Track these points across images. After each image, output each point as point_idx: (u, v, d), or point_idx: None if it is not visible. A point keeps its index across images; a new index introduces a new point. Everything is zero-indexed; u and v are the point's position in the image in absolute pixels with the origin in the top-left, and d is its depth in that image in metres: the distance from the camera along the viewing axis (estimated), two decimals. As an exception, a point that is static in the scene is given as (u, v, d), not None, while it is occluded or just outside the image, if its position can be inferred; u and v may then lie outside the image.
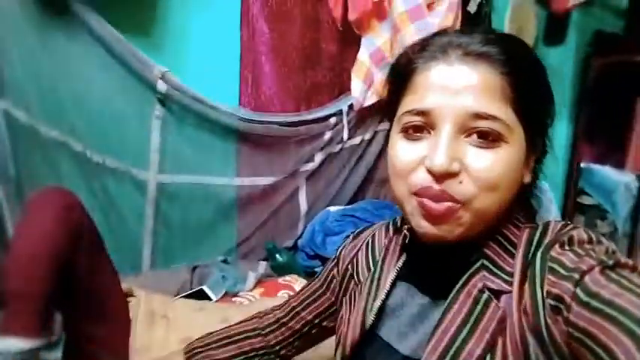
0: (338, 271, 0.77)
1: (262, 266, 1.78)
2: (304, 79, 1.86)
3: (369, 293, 0.65)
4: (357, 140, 1.94)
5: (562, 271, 0.47)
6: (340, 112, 1.86)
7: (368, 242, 0.73)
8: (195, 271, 1.66)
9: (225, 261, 1.74)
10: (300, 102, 1.87)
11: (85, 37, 1.46)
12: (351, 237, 0.80)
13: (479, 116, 0.50)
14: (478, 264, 0.55)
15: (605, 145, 2.60)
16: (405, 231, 0.65)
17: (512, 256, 0.54)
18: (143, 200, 1.65)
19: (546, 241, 0.52)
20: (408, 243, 0.64)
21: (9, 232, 1.35)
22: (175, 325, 1.05)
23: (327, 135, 1.87)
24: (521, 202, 0.58)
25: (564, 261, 0.48)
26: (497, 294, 0.52)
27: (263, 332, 0.84)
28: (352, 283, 0.72)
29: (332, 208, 1.92)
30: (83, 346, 0.98)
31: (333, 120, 1.86)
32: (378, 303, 0.63)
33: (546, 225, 0.55)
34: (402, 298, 0.63)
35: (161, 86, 1.56)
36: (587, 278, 0.45)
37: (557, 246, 0.50)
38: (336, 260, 0.79)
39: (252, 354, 0.83)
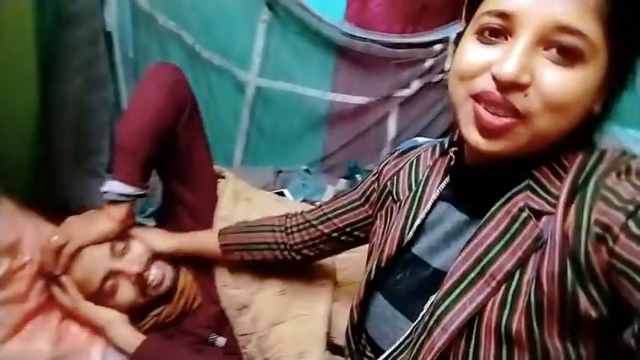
0: (378, 185, 0.78)
1: (342, 183, 1.83)
2: (414, 1, 1.78)
3: (409, 211, 0.65)
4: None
5: (615, 201, 0.45)
6: (447, 40, 1.77)
7: (412, 162, 0.72)
8: (280, 174, 1.76)
9: (307, 171, 1.82)
10: (407, 24, 1.80)
11: None
12: (395, 154, 0.79)
13: (565, 29, 0.45)
14: (523, 184, 0.53)
15: None
16: (452, 153, 0.63)
17: (562, 179, 0.51)
18: (241, 101, 1.75)
19: (602, 167, 0.49)
20: (453, 165, 0.63)
21: (124, 105, 1.51)
22: (256, 207, 1.14)
23: (429, 62, 1.80)
24: (584, 133, 0.52)
25: (619, 191, 0.45)
26: (537, 214, 0.51)
27: (289, 230, 0.92)
28: (390, 199, 0.72)
29: (420, 139, 1.88)
30: (174, 206, 1.11)
31: (437, 47, 1.78)
32: (417, 222, 0.63)
33: (603, 152, 0.51)
34: (439, 216, 0.63)
35: (270, -11, 1.59)
36: None
37: (613, 174, 0.47)
38: (377, 175, 0.79)
39: (273, 246, 0.94)
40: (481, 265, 0.52)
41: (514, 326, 0.48)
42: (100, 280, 0.94)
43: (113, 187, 0.91)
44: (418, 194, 0.66)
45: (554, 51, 0.46)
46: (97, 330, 0.95)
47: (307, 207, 1.27)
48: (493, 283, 0.50)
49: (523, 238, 0.50)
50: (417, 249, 0.63)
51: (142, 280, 0.97)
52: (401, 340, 0.60)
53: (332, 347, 1.02)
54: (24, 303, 0.91)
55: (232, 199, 1.13)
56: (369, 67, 1.78)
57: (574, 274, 0.46)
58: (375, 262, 0.66)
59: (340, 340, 1.01)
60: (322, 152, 1.89)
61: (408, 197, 0.67)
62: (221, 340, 1.05)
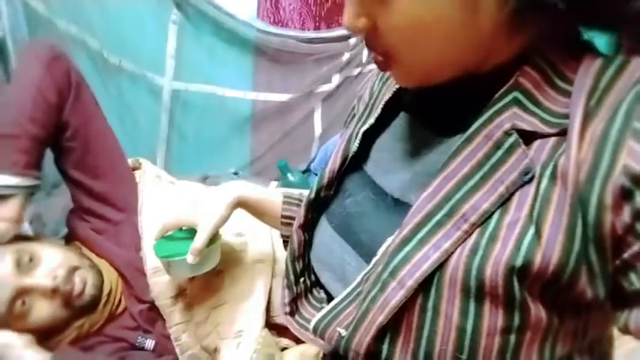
0: (355, 108, 0.67)
1: (273, 185, 1.77)
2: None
3: (359, 119, 0.55)
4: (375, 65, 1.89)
5: None
6: (360, 33, 1.82)
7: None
8: (207, 180, 1.67)
9: (236, 174, 1.75)
10: (321, 21, 1.83)
11: None
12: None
13: None
14: (508, 98, 0.41)
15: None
16: None
17: (561, 92, 0.40)
18: (158, 107, 1.66)
19: (626, 85, 0.37)
20: None
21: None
22: (182, 188, 1.07)
23: (346, 56, 1.82)
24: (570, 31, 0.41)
25: None
26: (528, 137, 0.40)
27: None
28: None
29: (347, 133, 1.89)
30: (82, 200, 1.00)
31: (352, 41, 1.81)
32: (364, 127, 0.53)
33: (624, 61, 0.38)
34: (400, 130, 0.52)
35: (179, -11, 1.56)
36: None
37: None
38: (356, 98, 0.69)
39: None
40: (450, 203, 0.41)
41: (487, 274, 0.38)
42: (8, 301, 0.81)
43: None
44: (372, 99, 0.56)
45: None
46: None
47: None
48: (465, 226, 0.40)
49: (507, 169, 0.39)
50: (370, 168, 0.53)
51: (61, 293, 0.85)
52: (349, 290, 0.49)
53: (271, 326, 0.94)
54: None
55: (155, 182, 1.05)
56: (287, 63, 1.77)
57: (582, 232, 0.35)
58: (317, 179, 0.57)
59: (280, 319, 0.93)
60: (250, 155, 1.83)
61: (364, 105, 0.58)
62: (150, 342, 0.94)
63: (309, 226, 0.59)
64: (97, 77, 1.56)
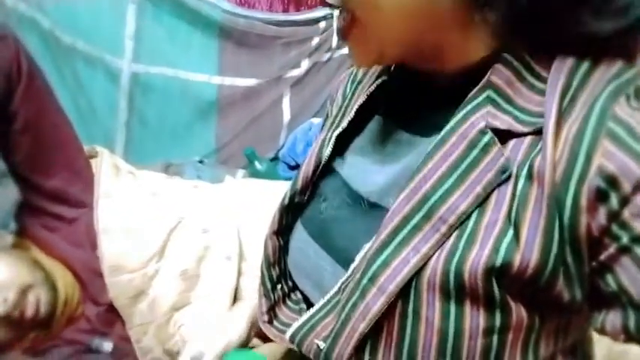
0: (328, 111, 0.65)
1: (240, 173, 1.72)
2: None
3: (332, 122, 0.55)
4: (346, 50, 1.85)
5: (629, 142, 0.33)
6: (331, 17, 1.76)
7: (352, 72, 0.60)
8: (169, 169, 1.60)
9: (201, 162, 1.68)
10: (290, 3, 1.77)
11: None
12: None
13: None
14: (482, 96, 0.40)
15: None
16: None
17: (536, 90, 0.39)
18: (116, 90, 1.57)
19: (599, 84, 0.37)
20: (392, 69, 0.52)
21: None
22: (141, 181, 1.01)
23: (315, 40, 1.77)
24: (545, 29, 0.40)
25: (634, 127, 0.34)
26: (503, 136, 0.39)
27: None
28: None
29: (315, 120, 1.84)
30: (32, 197, 0.93)
31: (322, 24, 1.76)
32: (337, 131, 0.53)
33: (595, 60, 0.38)
34: (375, 133, 0.52)
35: (138, -34, 1.46)
36: None
37: (622, 99, 0.35)
38: (329, 101, 0.67)
39: None
40: (428, 205, 0.40)
41: (466, 276, 0.38)
42: None
43: None
44: (345, 102, 0.55)
45: None
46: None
47: (202, 185, 1.15)
48: (443, 228, 0.39)
49: (483, 169, 0.39)
50: (345, 172, 0.52)
51: (12, 319, 0.79)
52: (327, 298, 0.48)
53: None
54: None
55: (112, 174, 0.98)
56: (255, 47, 1.71)
57: (559, 233, 0.35)
58: (291, 184, 0.55)
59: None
60: (216, 142, 1.77)
61: (337, 107, 0.57)
62: (107, 345, 0.89)
63: (283, 232, 0.57)
64: (49, 59, 1.46)
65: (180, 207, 0.99)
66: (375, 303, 0.40)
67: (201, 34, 1.62)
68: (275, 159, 1.85)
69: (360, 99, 0.52)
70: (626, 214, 0.33)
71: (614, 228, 0.34)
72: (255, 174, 1.71)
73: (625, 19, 0.37)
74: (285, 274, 0.57)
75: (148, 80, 1.60)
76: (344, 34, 0.44)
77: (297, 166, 1.77)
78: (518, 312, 0.38)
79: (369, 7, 0.40)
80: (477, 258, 0.37)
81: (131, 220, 0.94)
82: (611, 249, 0.35)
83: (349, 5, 0.41)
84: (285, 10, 1.75)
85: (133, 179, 1.01)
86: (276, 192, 1.22)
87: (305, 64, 1.79)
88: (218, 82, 1.69)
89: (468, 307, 0.38)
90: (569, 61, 0.38)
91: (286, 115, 1.83)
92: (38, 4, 1.42)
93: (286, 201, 0.55)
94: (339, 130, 0.53)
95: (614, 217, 0.34)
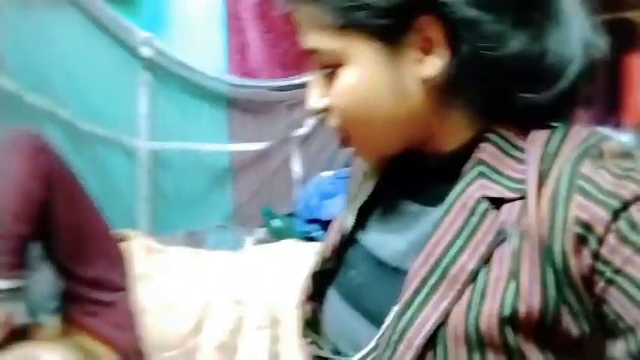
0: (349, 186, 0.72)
1: (259, 232, 1.77)
2: (292, 44, 1.86)
3: (353, 196, 0.62)
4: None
5: (595, 193, 0.40)
6: (329, 76, 1.86)
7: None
8: (192, 237, 1.65)
9: (221, 226, 1.73)
10: (289, 68, 1.87)
11: (65, 3, 1.47)
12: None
13: (311, 52, 0.48)
14: (474, 172, 0.47)
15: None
16: None
17: (518, 160, 0.46)
18: (135, 168, 1.65)
19: (570, 149, 0.43)
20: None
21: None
22: (172, 257, 1.05)
23: (317, 99, 1.86)
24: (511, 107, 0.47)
25: (598, 181, 0.40)
26: (497, 203, 0.45)
27: None
28: None
29: (324, 174, 1.91)
30: (74, 287, 0.97)
31: (322, 84, 1.85)
32: (357, 204, 0.60)
33: (566, 129, 0.45)
34: (390, 205, 0.58)
35: (146, 52, 1.57)
36: (633, 209, 0.39)
37: (586, 160, 0.42)
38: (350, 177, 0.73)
39: None
40: (441, 267, 0.46)
41: (483, 328, 0.43)
42: None
43: None
44: (363, 176, 0.62)
45: (323, 70, 0.48)
46: None
47: (227, 255, 1.20)
48: (457, 286, 0.45)
49: (484, 232, 0.45)
50: (368, 241, 0.58)
51: None
52: (364, 352, 0.52)
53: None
54: None
55: (144, 255, 1.03)
56: (261, 112, 1.80)
57: (554, 278, 0.41)
58: (321, 253, 0.61)
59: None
60: (233, 205, 1.83)
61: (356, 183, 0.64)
62: None
63: (316, 296, 0.62)
64: (69, 146, 1.54)
65: (210, 281, 1.04)
66: (404, 358, 0.45)
67: (210, 107, 1.72)
68: (290, 215, 1.91)
69: (375, 178, 0.59)
70: (604, 251, 0.39)
71: (598, 265, 0.40)
72: (273, 231, 1.76)
73: (558, 87, 0.45)
74: (322, 337, 0.61)
75: (165, 155, 1.68)
76: (344, 144, 0.50)
77: (313, 220, 1.82)
78: (534, 355, 0.43)
79: (359, 125, 0.48)
80: (490, 310, 0.43)
81: (167, 299, 0.98)
82: (601, 283, 0.40)
83: (342, 125, 0.48)
84: (286, 76, 1.85)
85: (164, 259, 1.06)
86: (294, 253, 1.28)
87: (310, 123, 1.87)
88: (230, 149, 1.77)
89: (490, 356, 0.43)
90: (543, 134, 0.45)
91: (297, 172, 1.89)
92: (57, 98, 1.51)
93: (317, 268, 0.61)
94: (358, 202, 0.59)
95: (595, 255, 0.40)
